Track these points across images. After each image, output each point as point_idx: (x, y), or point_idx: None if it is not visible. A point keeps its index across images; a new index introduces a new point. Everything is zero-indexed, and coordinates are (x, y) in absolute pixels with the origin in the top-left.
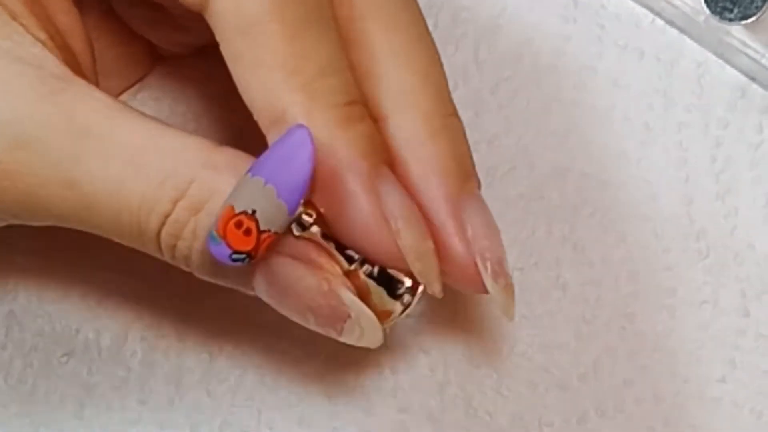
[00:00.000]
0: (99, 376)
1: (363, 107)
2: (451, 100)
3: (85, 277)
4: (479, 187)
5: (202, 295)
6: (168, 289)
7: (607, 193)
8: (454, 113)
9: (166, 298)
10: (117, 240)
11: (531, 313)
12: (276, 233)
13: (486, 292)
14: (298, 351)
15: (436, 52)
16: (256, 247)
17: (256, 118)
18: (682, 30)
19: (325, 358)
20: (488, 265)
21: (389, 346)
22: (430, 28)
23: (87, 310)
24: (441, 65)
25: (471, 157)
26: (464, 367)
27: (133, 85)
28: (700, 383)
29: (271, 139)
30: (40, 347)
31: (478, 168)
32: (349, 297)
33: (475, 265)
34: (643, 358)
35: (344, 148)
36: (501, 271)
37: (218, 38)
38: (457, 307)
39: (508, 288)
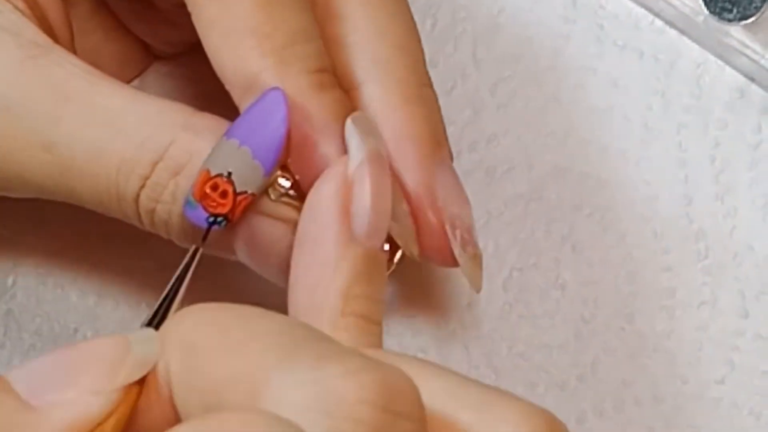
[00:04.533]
0: None
1: (334, 76)
2: (426, 72)
3: (83, 277)
4: (451, 158)
5: (201, 294)
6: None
7: (606, 193)
8: (429, 84)
9: None
10: (94, 208)
11: (530, 313)
12: (252, 195)
13: (454, 263)
14: None
15: (414, 26)
16: (232, 209)
17: (228, 87)
18: (681, 30)
19: None
20: (457, 233)
21: (388, 346)
22: (429, 28)
23: (85, 309)
24: (418, 38)
25: (444, 128)
26: (463, 367)
27: (128, 83)
28: (699, 384)
29: (243, 107)
30: (38, 346)
31: (477, 168)
32: None
33: (445, 232)
34: (642, 359)
35: (317, 112)
36: (470, 240)
37: (190, 7)
38: (457, 307)
39: (476, 258)
